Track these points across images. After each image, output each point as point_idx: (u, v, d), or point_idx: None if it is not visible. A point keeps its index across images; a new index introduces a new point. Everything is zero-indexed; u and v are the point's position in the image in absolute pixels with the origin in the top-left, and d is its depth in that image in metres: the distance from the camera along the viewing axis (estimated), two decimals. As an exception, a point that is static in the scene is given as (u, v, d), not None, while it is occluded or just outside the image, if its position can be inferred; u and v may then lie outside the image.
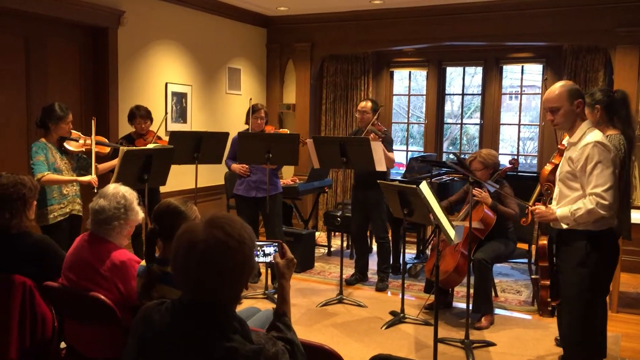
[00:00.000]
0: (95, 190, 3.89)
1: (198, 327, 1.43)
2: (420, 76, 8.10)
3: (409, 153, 7.93)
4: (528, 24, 6.11)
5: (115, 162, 4.14)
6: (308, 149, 4.85)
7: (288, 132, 5.37)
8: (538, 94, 7.32)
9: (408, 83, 7.83)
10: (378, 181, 4.35)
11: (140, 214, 2.68)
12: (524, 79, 7.24)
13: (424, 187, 3.38)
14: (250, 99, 5.50)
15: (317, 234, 6.33)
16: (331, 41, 7.14)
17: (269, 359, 1.45)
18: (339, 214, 5.98)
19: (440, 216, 3.35)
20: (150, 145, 4.31)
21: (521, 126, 7.33)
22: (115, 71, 5.39)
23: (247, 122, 5.07)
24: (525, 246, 4.63)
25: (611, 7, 5.72)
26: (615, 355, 3.67)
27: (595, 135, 2.71)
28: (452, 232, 3.35)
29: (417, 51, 7.29)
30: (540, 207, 2.93)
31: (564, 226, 2.79)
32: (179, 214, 2.28)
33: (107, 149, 4.29)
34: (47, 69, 4.97)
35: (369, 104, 5.00)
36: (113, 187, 2.64)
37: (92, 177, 3.94)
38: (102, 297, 2.39)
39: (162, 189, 5.02)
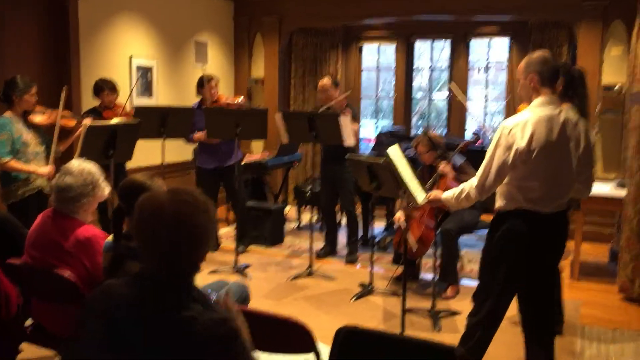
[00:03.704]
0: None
1: (158, 298, 1.42)
2: (389, 50, 8.09)
3: (378, 127, 7.95)
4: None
5: (75, 136, 4.10)
6: (277, 123, 4.83)
7: (242, 99, 5.31)
8: (504, 69, 7.40)
9: (377, 57, 7.81)
10: (347, 156, 4.37)
11: (106, 190, 2.65)
12: (490, 54, 7.30)
13: (393, 150, 3.34)
14: (203, 74, 5.48)
15: (287, 208, 6.35)
16: (300, 14, 7.06)
17: (232, 331, 1.42)
18: (308, 189, 5.99)
19: (408, 179, 3.32)
20: (114, 120, 4.23)
21: (488, 101, 7.42)
22: (76, 44, 5.23)
23: (198, 94, 5.20)
24: (490, 218, 4.72)
25: (576, -18, 5.79)
26: (574, 321, 3.81)
27: (516, 117, 2.53)
28: (420, 195, 3.31)
29: (385, 25, 7.27)
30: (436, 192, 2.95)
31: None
32: (144, 190, 2.23)
33: (73, 122, 4.21)
34: (4, 43, 4.79)
35: (329, 80, 5.00)
36: (77, 164, 2.59)
37: (50, 168, 3.86)
38: (67, 274, 2.37)
39: (129, 165, 4.96)
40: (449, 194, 2.77)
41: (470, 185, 2.62)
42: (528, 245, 2.53)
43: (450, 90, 4.37)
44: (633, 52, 5.00)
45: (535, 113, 2.49)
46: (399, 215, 4.18)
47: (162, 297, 1.42)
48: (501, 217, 2.59)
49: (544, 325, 2.68)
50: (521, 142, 2.44)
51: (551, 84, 2.55)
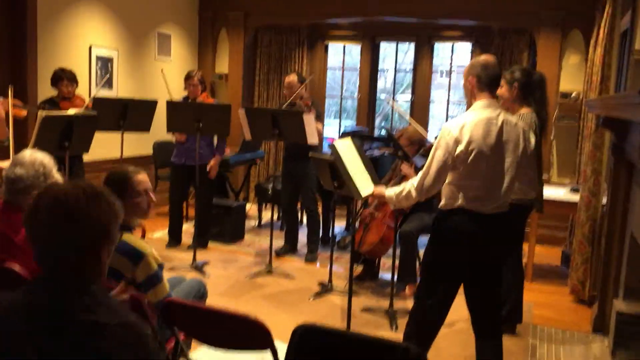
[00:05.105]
0: None
1: (56, 303, 1.28)
2: (354, 51, 8.13)
3: (342, 127, 7.98)
4: (459, 2, 6.24)
5: None
6: (240, 119, 4.80)
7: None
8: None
9: (342, 57, 7.84)
10: (310, 154, 4.36)
11: (60, 182, 2.56)
12: (454, 58, 7.42)
13: (340, 143, 3.32)
14: (162, 70, 5.51)
15: (248, 206, 6.30)
16: (265, 11, 7.01)
17: (140, 336, 1.31)
18: (270, 186, 5.97)
19: (355, 172, 3.29)
20: (71, 111, 4.12)
21: (450, 103, 7.54)
22: (33, 33, 5.06)
23: (185, 89, 5.17)
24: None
25: (537, -9, 5.94)
26: (527, 322, 3.89)
27: (456, 119, 2.60)
28: (363, 189, 3.23)
29: (351, 25, 7.29)
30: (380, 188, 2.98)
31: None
32: (116, 177, 2.35)
33: (24, 112, 4.08)
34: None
35: (295, 77, 5.00)
36: (29, 154, 2.51)
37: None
38: (17, 268, 2.28)
39: (86, 158, 4.84)
40: (391, 192, 2.79)
41: (411, 184, 2.66)
42: (469, 243, 2.58)
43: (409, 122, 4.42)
44: (590, 61, 5.17)
45: (474, 115, 2.56)
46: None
47: (61, 301, 1.28)
48: (443, 216, 2.64)
49: (489, 320, 2.73)
50: (460, 144, 2.50)
51: (490, 88, 2.61)
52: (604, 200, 4.15)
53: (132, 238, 2.32)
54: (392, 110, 8.02)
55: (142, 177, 2.44)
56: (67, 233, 1.31)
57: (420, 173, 2.61)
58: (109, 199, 1.39)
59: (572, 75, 5.98)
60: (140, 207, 2.41)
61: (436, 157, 2.55)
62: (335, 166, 3.80)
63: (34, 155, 2.49)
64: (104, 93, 5.82)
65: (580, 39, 5.89)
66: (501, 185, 2.57)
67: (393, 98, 7.94)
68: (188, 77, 5.10)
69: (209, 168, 5.06)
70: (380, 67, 7.70)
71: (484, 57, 2.69)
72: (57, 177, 2.55)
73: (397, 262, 4.13)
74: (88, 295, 1.31)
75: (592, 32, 5.24)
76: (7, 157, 3.80)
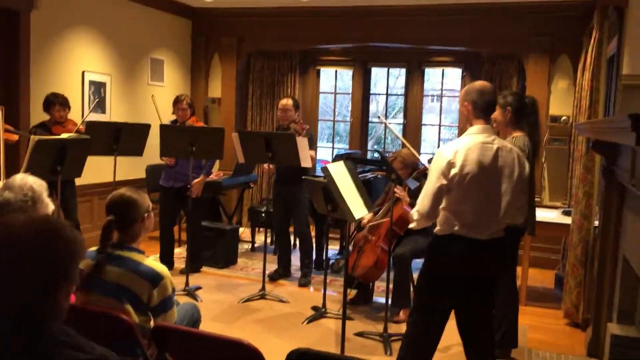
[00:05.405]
0: None
1: (16, 347, 1.22)
2: (346, 75, 8.22)
3: (335, 150, 8.02)
4: (449, 29, 6.34)
5: None
6: (233, 143, 4.81)
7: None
8: (457, 96, 7.61)
9: (334, 82, 7.91)
10: (303, 177, 4.37)
11: (50, 207, 2.55)
12: (444, 83, 7.50)
13: (333, 167, 3.35)
14: (152, 95, 5.55)
15: (241, 229, 6.28)
16: (258, 36, 7.09)
17: None
18: (263, 210, 5.96)
19: (348, 195, 3.31)
20: (64, 135, 4.12)
21: (441, 127, 7.60)
22: (27, 58, 5.08)
23: (173, 113, 5.18)
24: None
25: (525, 18, 6.05)
26: (522, 345, 3.87)
27: (451, 143, 2.65)
28: (356, 212, 3.27)
29: (343, 51, 7.38)
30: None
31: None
32: (132, 203, 2.41)
33: (16, 137, 4.07)
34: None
35: (290, 101, 5.04)
36: (20, 178, 2.49)
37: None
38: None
39: (78, 182, 4.82)
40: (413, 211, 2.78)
41: (414, 209, 2.67)
42: (462, 269, 2.59)
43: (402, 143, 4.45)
44: (579, 85, 5.24)
45: (468, 140, 2.58)
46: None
47: (19, 346, 1.22)
48: (438, 241, 2.65)
49: (482, 343, 2.72)
50: (453, 167, 2.51)
51: (485, 115, 2.64)
52: (596, 222, 4.17)
53: (150, 261, 2.39)
54: (385, 130, 8.08)
55: (147, 196, 2.54)
56: (19, 271, 1.24)
57: (419, 198, 2.62)
58: (68, 237, 1.31)
59: (561, 100, 6.06)
60: (150, 224, 2.52)
61: (432, 182, 2.56)
62: (329, 189, 3.81)
63: (24, 180, 2.48)
64: (97, 117, 5.83)
65: (568, 64, 5.99)
66: (496, 211, 2.57)
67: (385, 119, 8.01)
68: (177, 101, 5.09)
69: (191, 186, 4.86)
70: (372, 91, 7.77)
71: (480, 83, 2.71)
72: (47, 201, 2.53)
73: (391, 285, 4.11)
74: (43, 336, 1.24)
75: (580, 58, 5.33)
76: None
